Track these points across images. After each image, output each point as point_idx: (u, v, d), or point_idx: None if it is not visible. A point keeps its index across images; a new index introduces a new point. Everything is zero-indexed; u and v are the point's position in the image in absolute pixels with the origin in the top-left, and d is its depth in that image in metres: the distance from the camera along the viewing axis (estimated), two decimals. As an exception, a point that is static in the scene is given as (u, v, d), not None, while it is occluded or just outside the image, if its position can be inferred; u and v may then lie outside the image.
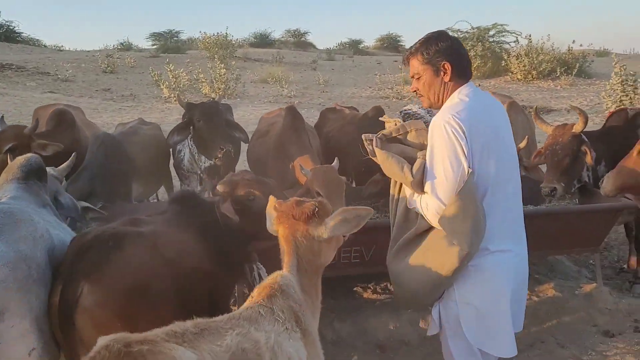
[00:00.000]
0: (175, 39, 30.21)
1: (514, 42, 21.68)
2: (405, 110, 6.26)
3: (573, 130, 4.21)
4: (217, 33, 22.43)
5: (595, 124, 11.16)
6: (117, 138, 4.75)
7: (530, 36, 20.31)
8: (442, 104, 2.38)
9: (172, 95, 14.63)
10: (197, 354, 1.52)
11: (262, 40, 33.20)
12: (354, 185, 5.83)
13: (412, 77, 2.46)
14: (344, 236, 2.24)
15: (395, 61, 25.28)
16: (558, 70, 18.82)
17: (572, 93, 16.48)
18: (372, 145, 2.48)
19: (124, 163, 4.41)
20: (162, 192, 6.26)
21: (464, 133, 2.16)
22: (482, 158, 2.21)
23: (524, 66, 19.09)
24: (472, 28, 21.89)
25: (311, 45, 35.87)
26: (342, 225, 2.05)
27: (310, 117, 11.13)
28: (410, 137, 2.53)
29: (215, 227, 2.77)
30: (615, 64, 13.31)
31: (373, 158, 2.50)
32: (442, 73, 2.32)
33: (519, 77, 19.26)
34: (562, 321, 4.07)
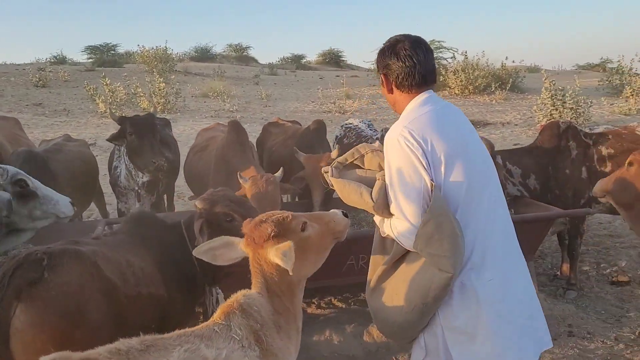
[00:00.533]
0: (112, 52, 29.34)
1: (451, 58, 22.48)
2: (346, 124, 6.36)
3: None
4: (156, 47, 22.02)
5: (529, 136, 11.66)
6: (41, 155, 4.52)
7: (466, 52, 21.12)
8: (400, 111, 2.21)
9: (108, 110, 14.17)
10: None
11: (203, 55, 32.84)
12: (296, 199, 5.82)
13: None
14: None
15: (337, 76, 25.67)
16: (493, 85, 19.58)
17: (507, 107, 17.17)
18: (328, 176, 2.31)
19: (47, 181, 4.19)
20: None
21: (419, 144, 1.98)
22: (448, 169, 2.01)
23: (461, 81, 19.75)
24: (411, 44, 22.49)
25: (253, 59, 35.79)
26: (284, 259, 1.84)
27: (253, 131, 11.03)
28: (367, 161, 2.34)
29: (176, 249, 2.68)
30: (545, 80, 13.98)
31: (333, 188, 2.33)
32: (383, 83, 2.21)
33: (457, 91, 19.91)
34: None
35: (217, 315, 1.86)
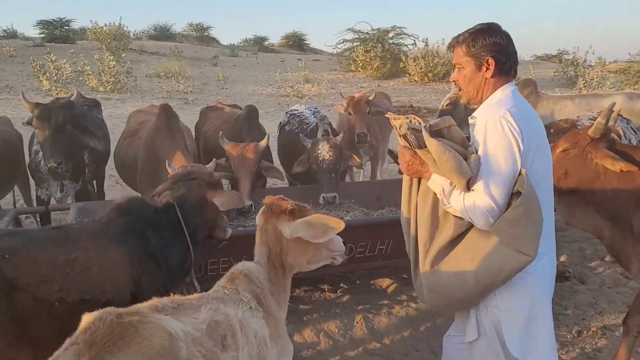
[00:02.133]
0: (66, 28, 28.03)
1: (412, 44, 22.41)
2: (291, 110, 6.09)
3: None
4: (111, 23, 21.11)
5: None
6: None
7: (426, 40, 21.12)
8: (480, 100, 2.26)
9: (53, 87, 13.48)
10: (181, 323, 1.64)
11: (162, 33, 31.81)
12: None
13: (454, 65, 2.31)
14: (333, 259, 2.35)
15: (299, 59, 25.25)
16: (452, 72, 19.60)
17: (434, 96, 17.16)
18: (421, 135, 2.18)
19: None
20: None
21: (520, 130, 2.05)
22: (535, 157, 2.12)
23: (421, 68, 19.74)
24: (372, 29, 22.35)
25: (214, 40, 34.92)
26: (305, 229, 2.12)
27: (205, 114, 10.70)
28: (453, 133, 2.25)
29: (169, 236, 2.64)
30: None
31: (418, 150, 2.20)
32: (484, 68, 2.20)
33: (416, 79, 19.88)
34: (438, 327, 4.02)
35: (223, 282, 2.07)
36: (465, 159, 2.11)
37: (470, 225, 2.18)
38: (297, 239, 2.16)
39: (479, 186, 2.08)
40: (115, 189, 7.24)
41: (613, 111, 3.22)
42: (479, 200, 2.07)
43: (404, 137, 2.29)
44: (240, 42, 35.63)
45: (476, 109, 2.31)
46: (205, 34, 35.14)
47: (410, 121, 2.28)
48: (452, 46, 2.31)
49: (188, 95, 14.81)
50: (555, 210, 2.48)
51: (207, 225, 2.93)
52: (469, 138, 2.28)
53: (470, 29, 2.25)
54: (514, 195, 2.08)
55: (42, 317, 2.15)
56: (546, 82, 19.76)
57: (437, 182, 2.23)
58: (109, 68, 14.78)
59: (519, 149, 2.05)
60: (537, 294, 2.18)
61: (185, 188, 2.90)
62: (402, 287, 4.59)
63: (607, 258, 5.11)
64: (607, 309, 4.27)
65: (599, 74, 18.54)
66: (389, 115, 2.40)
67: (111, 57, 15.42)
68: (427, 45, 20.96)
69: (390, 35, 22.55)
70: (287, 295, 2.28)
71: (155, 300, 1.75)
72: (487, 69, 2.19)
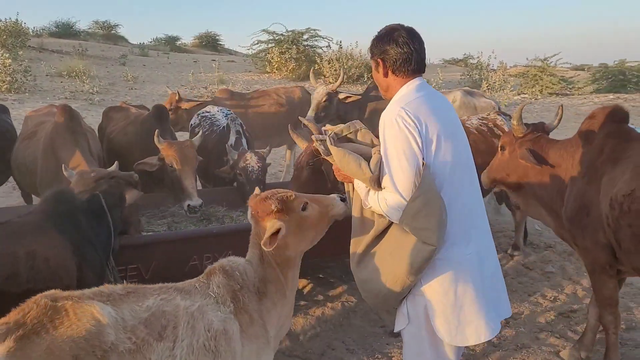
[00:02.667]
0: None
1: (326, 46, 22.64)
2: (202, 112, 5.94)
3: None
4: (7, 19, 19.61)
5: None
6: None
7: (340, 42, 21.42)
8: (390, 96, 2.37)
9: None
10: (117, 310, 1.70)
11: (65, 31, 29.97)
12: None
13: None
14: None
15: (213, 60, 24.76)
16: (365, 75, 20.04)
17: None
18: (326, 144, 2.36)
19: None
20: None
21: (415, 124, 2.15)
22: (437, 148, 2.19)
23: (335, 70, 19.96)
24: (287, 31, 22.36)
25: (122, 39, 33.44)
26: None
27: (113, 116, 10.18)
28: (361, 136, 2.44)
29: (97, 222, 2.82)
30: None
31: (326, 157, 2.40)
32: (379, 68, 2.36)
33: (331, 80, 20.06)
34: (353, 325, 4.07)
35: (202, 275, 2.14)
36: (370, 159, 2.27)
37: (391, 224, 2.30)
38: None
39: (386, 183, 2.20)
40: (12, 196, 6.72)
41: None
42: (388, 197, 2.18)
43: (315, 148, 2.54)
44: (151, 42, 34.32)
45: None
46: (113, 32, 33.56)
47: (325, 132, 2.45)
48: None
49: (94, 96, 14.05)
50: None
51: (123, 217, 3.20)
52: None
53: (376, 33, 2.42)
54: None
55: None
56: (453, 85, 20.67)
57: (358, 186, 2.38)
58: (5, 66, 13.71)
59: (417, 143, 2.15)
60: (464, 280, 2.26)
61: (107, 185, 3.24)
62: (318, 287, 4.60)
63: (509, 251, 5.41)
64: (510, 298, 4.47)
65: (501, 77, 19.68)
66: (305, 121, 2.61)
67: (7, 55, 14.31)
68: (341, 47, 21.28)
69: (305, 37, 22.64)
70: (290, 290, 2.30)
71: (105, 287, 1.83)
72: (379, 68, 2.36)
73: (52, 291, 1.70)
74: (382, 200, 2.21)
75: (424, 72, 2.35)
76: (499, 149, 3.75)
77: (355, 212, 2.45)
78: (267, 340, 2.15)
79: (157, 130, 4.36)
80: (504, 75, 20.08)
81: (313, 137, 2.51)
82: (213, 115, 5.67)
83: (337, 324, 4.07)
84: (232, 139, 5.12)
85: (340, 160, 2.30)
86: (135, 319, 1.74)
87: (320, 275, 4.72)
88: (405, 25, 2.34)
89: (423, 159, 2.16)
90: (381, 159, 2.23)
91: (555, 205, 3.39)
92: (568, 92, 20.83)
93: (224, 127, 5.35)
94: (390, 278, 2.25)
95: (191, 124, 5.84)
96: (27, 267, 2.34)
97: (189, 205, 4.14)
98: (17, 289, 2.25)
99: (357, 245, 2.42)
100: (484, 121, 5.04)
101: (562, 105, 3.94)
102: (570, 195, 3.22)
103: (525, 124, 3.61)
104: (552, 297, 4.49)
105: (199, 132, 5.36)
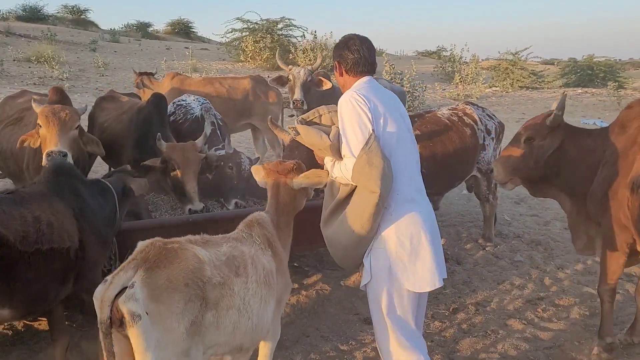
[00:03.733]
0: None
1: (301, 36, 22.56)
2: (178, 101, 5.90)
3: None
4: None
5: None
6: None
7: (315, 32, 21.36)
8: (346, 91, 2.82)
9: None
10: (208, 252, 2.21)
11: (32, 14, 29.17)
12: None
13: None
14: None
15: (186, 47, 24.41)
16: (338, 66, 20.07)
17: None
18: (295, 126, 2.86)
19: None
20: None
21: (365, 103, 2.61)
22: (385, 124, 2.64)
23: (310, 60, 19.92)
24: (262, 20, 22.20)
25: (93, 24, 32.69)
26: (308, 181, 2.81)
27: (84, 102, 9.93)
28: (324, 120, 2.96)
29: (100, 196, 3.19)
30: (385, 63, 14.56)
31: (297, 137, 2.87)
32: (336, 69, 2.87)
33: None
34: (327, 312, 4.12)
35: (241, 227, 2.62)
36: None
37: (353, 191, 2.70)
38: (302, 188, 2.86)
39: (345, 152, 2.68)
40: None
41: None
42: (347, 162, 2.65)
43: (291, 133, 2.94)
44: (122, 28, 33.68)
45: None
46: (82, 17, 32.81)
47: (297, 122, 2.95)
48: None
49: (64, 82, 13.75)
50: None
51: (127, 202, 3.56)
52: None
53: None
54: None
55: (24, 268, 2.59)
56: (427, 77, 20.88)
57: (326, 163, 2.87)
58: (-31, 50, 13.32)
59: (367, 117, 2.60)
60: (416, 232, 2.63)
61: (111, 175, 3.69)
62: (293, 276, 4.59)
63: (480, 241, 5.54)
64: (480, 286, 4.62)
65: (473, 70, 19.95)
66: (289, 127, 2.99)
67: (-29, 38, 13.90)
68: (315, 37, 21.25)
69: (280, 26, 22.52)
70: (290, 238, 2.88)
71: (189, 237, 2.29)
72: (337, 69, 2.88)
73: (157, 238, 2.14)
74: (343, 165, 2.68)
75: (373, 73, 2.85)
76: (523, 141, 3.60)
77: (326, 188, 2.92)
78: (288, 276, 2.78)
79: (158, 134, 4.28)
80: (476, 68, 20.34)
81: (288, 128, 2.99)
82: (188, 104, 5.63)
83: (311, 312, 4.13)
84: (207, 128, 5.10)
85: (305, 134, 2.80)
86: (218, 260, 2.23)
87: (295, 264, 4.76)
88: (360, 34, 2.85)
89: (373, 130, 2.59)
90: (339, 132, 2.71)
91: (583, 192, 3.51)
92: (538, 86, 21.24)
93: (197, 116, 5.34)
94: (348, 230, 2.65)
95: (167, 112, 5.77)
96: (35, 229, 2.64)
97: (190, 209, 4.10)
98: (29, 248, 2.60)
99: (324, 209, 2.88)
100: (454, 111, 5.14)
101: (565, 93, 4.01)
102: (599, 178, 3.39)
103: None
104: (520, 285, 4.62)
105: (173, 120, 5.33)
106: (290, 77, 5.95)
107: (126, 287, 1.92)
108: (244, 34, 22.41)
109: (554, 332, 3.86)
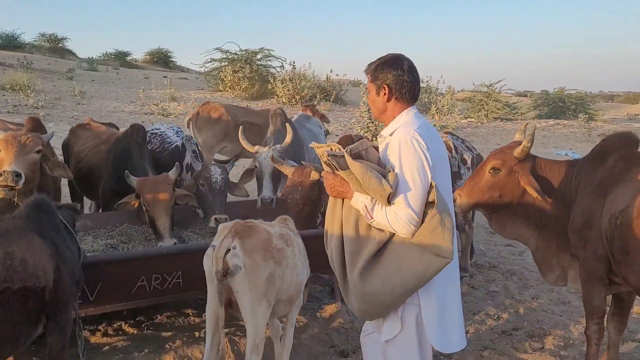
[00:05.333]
0: None
1: (280, 67, 22.83)
2: (151, 129, 5.89)
3: (312, 178, 4.29)
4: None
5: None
6: None
7: (294, 63, 21.64)
8: (385, 119, 2.59)
9: None
10: (274, 230, 3.08)
11: (9, 42, 29.06)
12: (100, 210, 5.20)
13: (367, 89, 2.68)
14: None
15: (165, 77, 24.48)
16: (318, 95, 20.30)
17: (330, 118, 17.83)
18: (343, 159, 2.45)
19: None
20: None
21: (427, 147, 2.37)
22: (439, 172, 2.46)
23: (288, 90, 20.15)
24: (241, 50, 22.43)
25: (70, 52, 32.65)
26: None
27: (59, 131, 9.88)
28: (371, 154, 2.56)
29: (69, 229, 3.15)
30: (363, 94, 14.78)
31: (341, 172, 2.48)
32: (382, 94, 2.51)
33: (284, 100, 20.24)
34: (304, 345, 4.06)
35: (277, 221, 3.39)
36: (384, 176, 2.38)
37: (391, 237, 2.45)
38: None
39: (399, 199, 2.36)
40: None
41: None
42: (400, 212, 2.35)
43: (326, 163, 2.56)
44: (100, 56, 33.60)
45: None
46: (60, 45, 32.76)
47: (331, 149, 2.54)
48: (365, 72, 2.65)
49: (39, 110, 13.62)
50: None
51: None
52: None
53: (379, 59, 2.57)
54: (428, 204, 2.39)
55: None
56: (403, 108, 21.18)
57: (359, 200, 2.48)
58: (-57, 78, 13.14)
59: (428, 164, 2.37)
60: (450, 288, 2.55)
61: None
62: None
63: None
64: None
65: (449, 101, 20.34)
66: (313, 144, 2.63)
67: (-55, 66, 13.73)
68: (294, 68, 21.52)
69: (259, 56, 22.80)
70: None
71: (252, 220, 3.11)
72: (385, 94, 2.52)
73: (236, 220, 3.07)
74: (392, 214, 2.36)
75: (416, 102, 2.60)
76: (489, 171, 3.62)
77: (348, 229, 2.56)
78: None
79: (126, 171, 4.21)
80: (451, 99, 20.75)
81: (324, 152, 2.55)
82: (163, 132, 5.62)
83: (287, 345, 4.06)
84: (188, 157, 5.09)
85: (363, 175, 2.37)
86: (277, 234, 3.05)
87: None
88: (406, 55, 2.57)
89: (433, 183, 2.36)
90: (397, 177, 2.39)
91: (549, 225, 3.56)
92: (512, 117, 21.72)
93: (177, 145, 5.30)
94: (399, 290, 2.40)
95: (138, 142, 5.73)
96: (5, 267, 2.51)
97: (160, 246, 4.03)
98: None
99: (355, 259, 2.50)
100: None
101: (535, 125, 4.05)
102: (577, 209, 3.41)
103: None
104: (496, 316, 4.64)
105: (149, 149, 5.29)
106: (257, 164, 5.09)
107: (229, 249, 2.78)
108: (222, 63, 22.58)
109: (529, 364, 3.87)
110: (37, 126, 4.41)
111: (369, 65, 2.59)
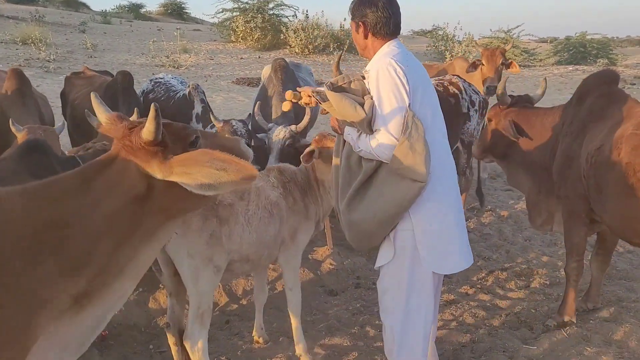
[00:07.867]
0: None
1: (292, 16, 22.38)
2: (155, 78, 5.93)
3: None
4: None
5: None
6: None
7: (307, 12, 21.20)
8: (367, 54, 2.63)
9: None
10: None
11: (23, -4, 28.91)
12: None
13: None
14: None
15: (178, 28, 24.20)
16: (332, 45, 19.96)
17: (342, 68, 17.56)
18: (324, 91, 2.53)
19: None
20: None
21: (404, 72, 2.39)
22: (420, 96, 2.45)
23: (301, 40, 19.82)
24: (252, -1, 22.01)
25: (84, 5, 32.38)
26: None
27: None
28: (354, 86, 2.61)
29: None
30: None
31: (323, 104, 2.56)
32: (360, 30, 2.57)
33: (297, 50, 19.95)
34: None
35: (264, 171, 3.21)
36: (362, 105, 2.48)
37: (378, 168, 2.53)
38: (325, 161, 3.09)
39: (378, 125, 2.45)
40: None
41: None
42: (380, 138, 2.42)
43: (311, 97, 2.65)
44: (114, 9, 33.26)
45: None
46: (73, -2, 32.49)
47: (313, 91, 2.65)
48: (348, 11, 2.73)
49: (50, 64, 13.71)
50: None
51: None
52: None
53: None
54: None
55: None
56: (420, 56, 20.75)
57: (348, 133, 2.61)
58: (-45, 32, 13.25)
59: (405, 89, 2.40)
60: (444, 212, 2.54)
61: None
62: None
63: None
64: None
65: (464, 48, 19.85)
66: (287, 94, 2.72)
67: (-43, 20, 13.81)
68: (307, 17, 21.09)
69: (271, 5, 22.32)
70: (321, 208, 3.27)
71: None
72: (362, 31, 2.58)
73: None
74: (374, 141, 2.43)
75: (399, 34, 2.61)
76: (487, 120, 4.00)
77: (341, 163, 2.70)
78: (306, 216, 3.17)
79: (86, 110, 3.88)
80: (467, 47, 20.24)
81: (309, 89, 2.67)
82: (167, 81, 5.68)
83: (277, 284, 4.20)
84: (198, 108, 5.15)
85: (337, 103, 2.47)
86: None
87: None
88: None
89: (409, 104, 2.40)
90: (373, 103, 2.46)
91: (543, 166, 3.66)
92: (530, 64, 21.16)
93: (184, 94, 5.35)
94: (382, 216, 2.49)
95: (143, 90, 5.79)
96: None
97: None
98: None
99: (345, 189, 2.65)
100: (440, 81, 5.16)
101: (545, 78, 4.16)
102: (559, 150, 3.49)
103: (510, 96, 3.84)
104: (486, 257, 4.71)
105: (152, 97, 5.34)
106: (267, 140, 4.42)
107: None
108: (234, 13, 22.23)
109: (513, 301, 3.96)
110: (20, 79, 4.47)
111: (350, 4, 2.65)
